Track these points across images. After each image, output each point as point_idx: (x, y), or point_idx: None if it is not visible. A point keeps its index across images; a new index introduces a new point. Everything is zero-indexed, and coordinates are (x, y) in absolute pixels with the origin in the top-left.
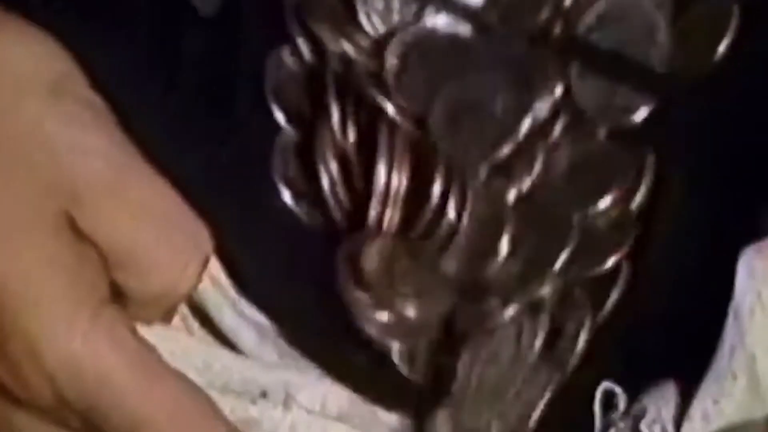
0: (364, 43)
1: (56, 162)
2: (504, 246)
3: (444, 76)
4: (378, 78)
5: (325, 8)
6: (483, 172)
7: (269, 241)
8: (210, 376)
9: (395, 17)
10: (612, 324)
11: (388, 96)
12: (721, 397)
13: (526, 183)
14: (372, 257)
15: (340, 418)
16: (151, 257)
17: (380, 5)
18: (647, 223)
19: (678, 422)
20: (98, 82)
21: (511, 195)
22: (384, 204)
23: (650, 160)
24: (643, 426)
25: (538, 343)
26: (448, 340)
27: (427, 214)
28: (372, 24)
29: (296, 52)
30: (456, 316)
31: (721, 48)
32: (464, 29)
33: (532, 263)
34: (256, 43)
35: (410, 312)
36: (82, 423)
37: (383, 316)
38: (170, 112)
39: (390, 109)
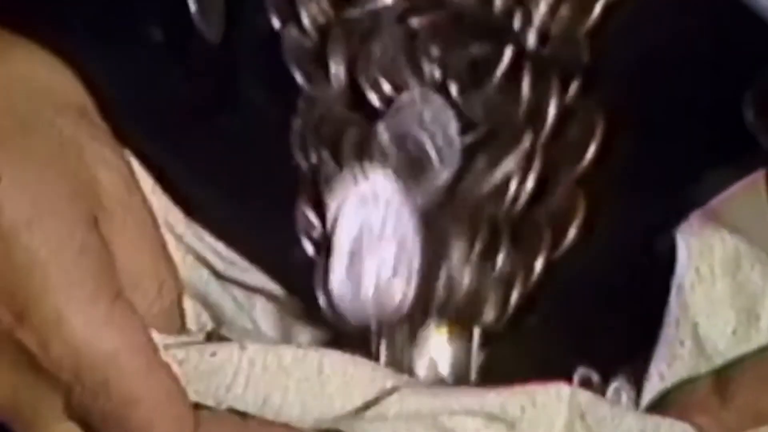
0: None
1: (87, 170)
2: None
3: None
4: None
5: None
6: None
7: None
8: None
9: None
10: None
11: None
12: (673, 360)
13: None
14: None
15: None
16: (142, 272)
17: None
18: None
19: (637, 384)
20: (104, 107)
21: None
22: None
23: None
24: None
25: None
26: None
27: None
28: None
29: None
30: None
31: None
32: None
33: None
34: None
35: None
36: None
37: None
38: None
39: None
